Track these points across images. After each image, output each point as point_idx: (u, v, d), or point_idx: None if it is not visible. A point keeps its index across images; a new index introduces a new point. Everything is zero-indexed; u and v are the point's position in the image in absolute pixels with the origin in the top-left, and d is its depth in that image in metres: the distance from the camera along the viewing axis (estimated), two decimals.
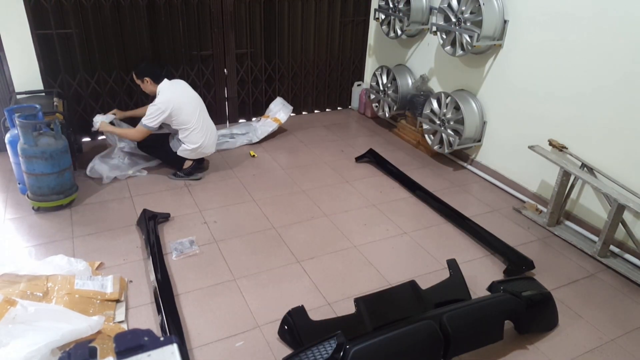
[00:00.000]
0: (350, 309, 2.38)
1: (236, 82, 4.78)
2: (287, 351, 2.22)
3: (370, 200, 3.60)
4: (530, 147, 3.38)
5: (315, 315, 2.42)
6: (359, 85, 5.48)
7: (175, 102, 3.47)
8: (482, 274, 2.85)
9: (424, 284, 2.52)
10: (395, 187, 3.83)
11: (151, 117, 3.45)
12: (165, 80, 3.56)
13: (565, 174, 3.16)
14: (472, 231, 3.22)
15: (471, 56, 3.94)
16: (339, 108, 5.58)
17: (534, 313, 2.37)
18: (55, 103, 3.61)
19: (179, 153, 3.66)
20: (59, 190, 3.19)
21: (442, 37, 3.92)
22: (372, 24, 5.19)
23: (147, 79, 3.53)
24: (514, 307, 2.29)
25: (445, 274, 2.65)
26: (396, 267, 2.88)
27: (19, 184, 3.40)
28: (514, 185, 3.81)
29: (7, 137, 3.21)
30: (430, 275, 2.80)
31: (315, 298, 2.58)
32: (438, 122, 4.13)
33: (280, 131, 4.72)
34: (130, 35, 4.13)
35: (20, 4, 3.61)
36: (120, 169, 3.74)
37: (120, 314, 2.37)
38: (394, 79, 4.65)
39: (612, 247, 3.07)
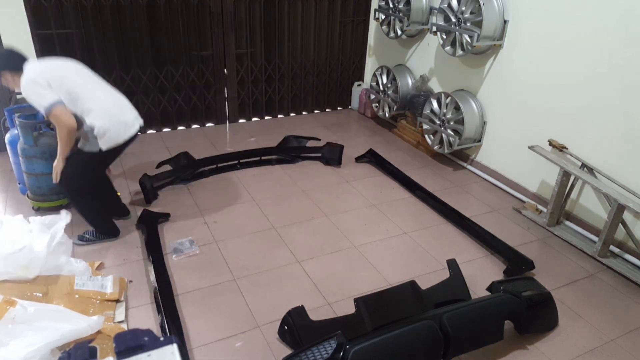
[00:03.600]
0: (350, 309, 2.37)
1: (236, 82, 4.78)
2: (287, 351, 2.22)
3: (370, 200, 3.60)
4: (530, 147, 3.38)
5: (315, 315, 2.42)
6: (359, 85, 5.48)
7: (47, 68, 2.58)
8: (482, 274, 2.85)
9: (424, 284, 2.52)
10: (395, 187, 3.83)
11: (36, 97, 2.50)
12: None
13: (565, 174, 3.16)
14: (471, 231, 3.22)
15: (471, 56, 3.94)
16: (339, 108, 5.58)
17: (534, 313, 2.36)
18: None
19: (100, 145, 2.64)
20: (59, 190, 3.18)
21: (442, 37, 3.92)
22: (372, 24, 5.19)
23: (4, 72, 2.58)
24: (514, 307, 2.29)
25: (445, 274, 2.65)
26: (396, 267, 2.88)
27: (19, 184, 3.40)
28: (514, 186, 3.81)
29: (7, 137, 3.21)
30: (430, 275, 2.80)
31: (315, 298, 2.58)
32: (438, 122, 4.13)
33: (279, 131, 4.72)
34: (130, 35, 4.14)
35: (20, 4, 3.62)
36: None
37: (120, 314, 2.36)
38: (394, 79, 4.65)
39: (612, 247, 3.06)
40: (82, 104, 2.58)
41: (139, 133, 2.81)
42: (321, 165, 4.13)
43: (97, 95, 2.66)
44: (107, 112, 2.64)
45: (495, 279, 2.55)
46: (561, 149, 3.31)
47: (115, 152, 2.74)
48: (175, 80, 4.49)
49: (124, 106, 2.78)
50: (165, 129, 4.67)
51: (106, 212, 2.99)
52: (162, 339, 0.87)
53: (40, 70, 2.56)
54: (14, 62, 2.58)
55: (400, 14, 4.35)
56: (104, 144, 2.63)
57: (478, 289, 2.69)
